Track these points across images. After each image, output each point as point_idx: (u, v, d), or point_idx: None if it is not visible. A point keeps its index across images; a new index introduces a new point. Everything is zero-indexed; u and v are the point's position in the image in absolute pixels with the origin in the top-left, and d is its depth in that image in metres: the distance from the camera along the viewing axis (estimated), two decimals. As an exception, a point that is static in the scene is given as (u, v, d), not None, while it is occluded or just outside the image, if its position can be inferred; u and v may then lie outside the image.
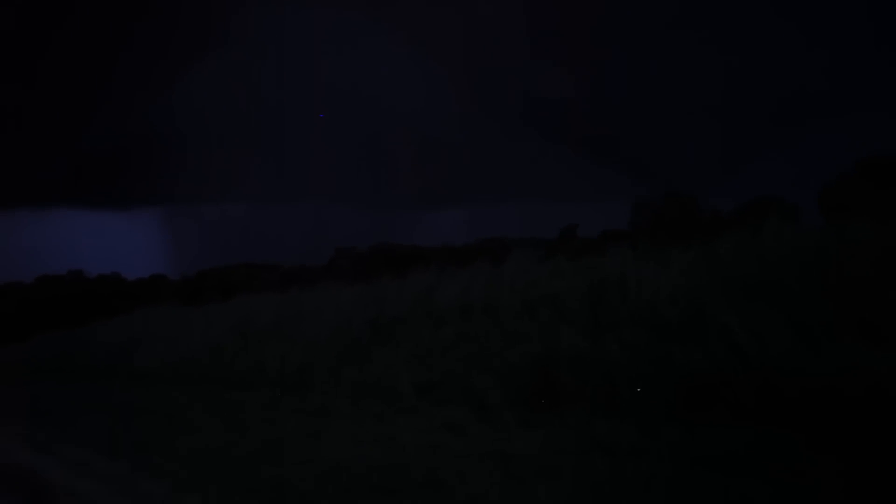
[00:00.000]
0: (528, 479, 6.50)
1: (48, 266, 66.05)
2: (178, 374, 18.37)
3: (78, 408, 15.34)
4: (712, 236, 11.08)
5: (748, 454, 6.53)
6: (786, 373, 7.43)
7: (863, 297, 7.90)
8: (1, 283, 63.38)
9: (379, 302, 15.17)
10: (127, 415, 13.24)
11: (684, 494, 5.85)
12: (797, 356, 7.49)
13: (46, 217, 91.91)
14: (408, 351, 12.41)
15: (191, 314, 23.63)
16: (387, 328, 13.93)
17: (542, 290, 11.50)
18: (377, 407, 10.79)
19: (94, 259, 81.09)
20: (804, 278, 8.59)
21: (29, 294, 61.87)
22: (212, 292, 31.17)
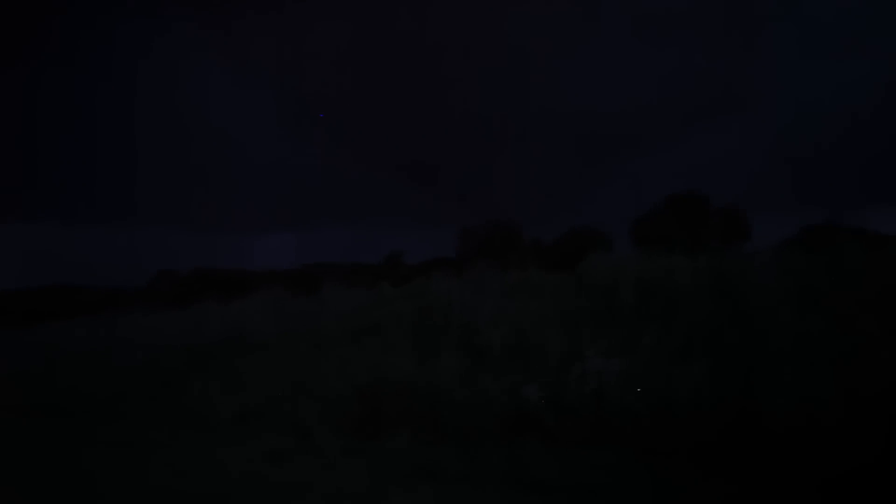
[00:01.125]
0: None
1: None
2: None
3: None
4: (534, 264, 11.45)
5: (571, 477, 6.72)
6: (606, 398, 7.72)
7: (679, 319, 8.36)
8: None
9: (198, 327, 14.73)
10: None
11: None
12: (626, 380, 7.80)
13: None
14: (227, 378, 12.09)
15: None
16: (205, 354, 13.53)
17: (367, 316, 11.50)
18: (196, 436, 10.43)
19: None
20: (623, 304, 9.00)
21: None
22: (16, 315, 29.34)
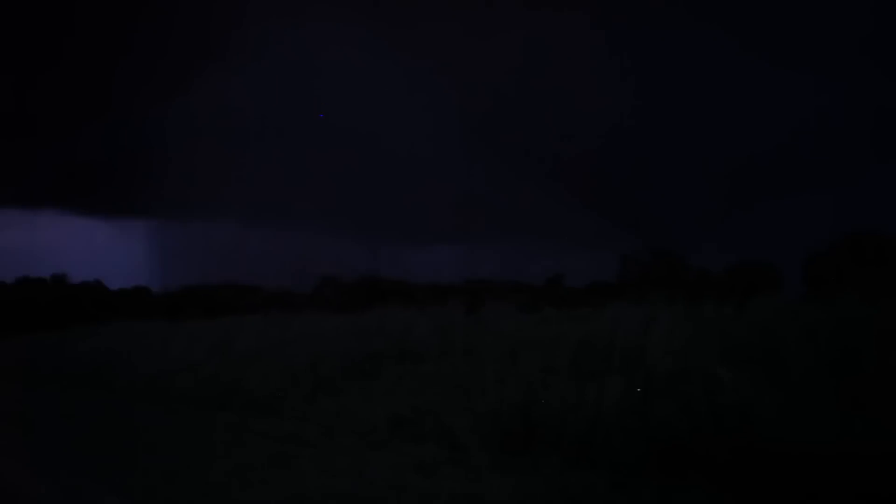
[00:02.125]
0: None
1: (31, 268, 65.29)
2: (152, 390, 18.13)
3: (43, 416, 15.16)
4: (699, 296, 11.11)
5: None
6: (766, 439, 7.38)
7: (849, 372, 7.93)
8: (-20, 281, 62.66)
9: (360, 334, 15.09)
10: (94, 427, 13.06)
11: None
12: (780, 424, 7.45)
13: (33, 219, 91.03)
14: (385, 386, 12.31)
15: (171, 330, 23.42)
16: (366, 361, 13.84)
17: (526, 336, 11.46)
18: (348, 439, 10.67)
19: (78, 265, 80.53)
20: (790, 348, 8.60)
21: (8, 294, 61.23)
22: (194, 309, 30.93)
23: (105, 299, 56.80)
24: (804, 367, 8.25)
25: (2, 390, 22.11)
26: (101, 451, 10.58)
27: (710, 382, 8.37)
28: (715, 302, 10.68)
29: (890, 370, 7.75)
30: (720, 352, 8.95)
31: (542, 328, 11.56)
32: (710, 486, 7.33)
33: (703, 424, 7.83)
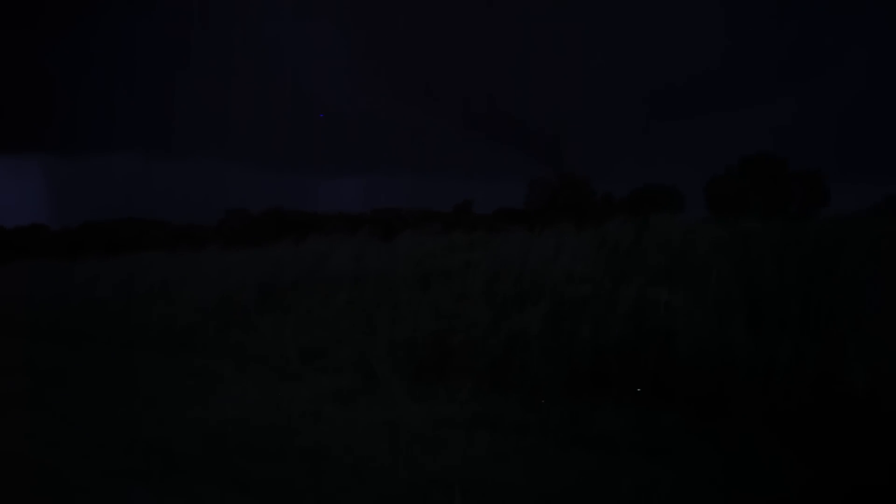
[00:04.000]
0: (412, 449, 6.54)
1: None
2: (56, 330, 17.68)
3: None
4: (605, 219, 11.34)
5: (634, 435, 6.69)
6: (679, 356, 7.64)
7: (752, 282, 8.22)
8: None
9: (269, 266, 14.94)
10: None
11: (564, 469, 5.97)
12: (692, 342, 7.70)
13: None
14: (298, 318, 12.26)
15: (72, 267, 22.78)
16: (276, 294, 13.74)
17: (437, 263, 11.52)
18: (263, 372, 10.64)
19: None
20: (692, 263, 8.86)
21: None
22: (96, 246, 30.14)
23: (1, 238, 54.79)
24: (706, 284, 8.50)
25: None
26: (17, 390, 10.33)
27: (617, 303, 8.59)
28: (618, 223, 10.92)
29: (786, 286, 8.07)
30: (624, 273, 9.16)
31: (453, 256, 11.63)
32: (614, 402, 7.59)
33: (611, 345, 8.07)
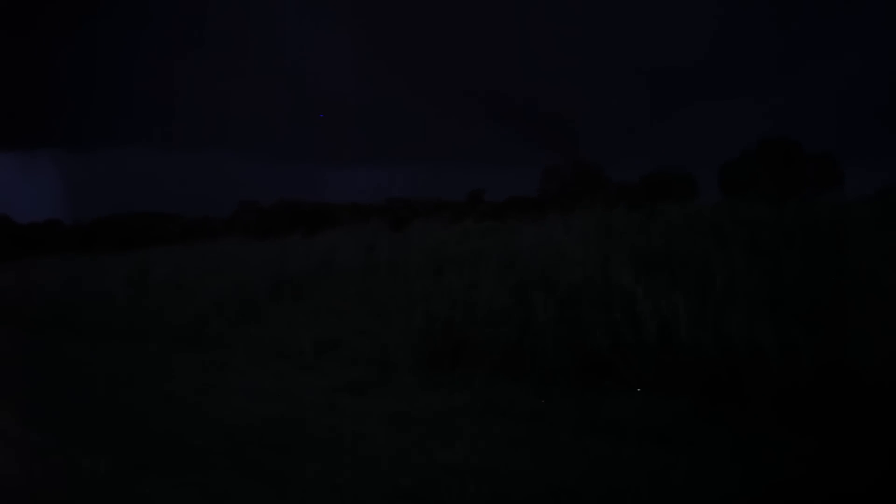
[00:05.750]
0: (426, 438, 6.55)
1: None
2: (69, 324, 17.77)
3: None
4: (618, 206, 11.30)
5: (644, 421, 6.67)
6: (684, 343, 7.60)
7: (764, 274, 8.16)
8: None
9: (282, 258, 14.98)
10: (11, 364, 12.81)
11: (576, 456, 5.96)
12: (697, 328, 7.66)
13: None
14: (311, 309, 12.29)
15: (87, 262, 22.90)
16: (289, 285, 13.77)
17: (450, 252, 11.52)
18: (277, 364, 10.66)
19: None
20: (704, 252, 8.81)
21: None
22: (110, 240, 30.25)
23: (15, 233, 55.05)
24: (716, 271, 8.46)
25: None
26: (22, 386, 10.39)
27: (627, 292, 8.56)
28: (630, 210, 10.88)
29: (794, 270, 8.02)
30: (634, 261, 9.14)
31: (465, 244, 11.63)
32: (624, 388, 7.57)
33: (623, 332, 8.03)
